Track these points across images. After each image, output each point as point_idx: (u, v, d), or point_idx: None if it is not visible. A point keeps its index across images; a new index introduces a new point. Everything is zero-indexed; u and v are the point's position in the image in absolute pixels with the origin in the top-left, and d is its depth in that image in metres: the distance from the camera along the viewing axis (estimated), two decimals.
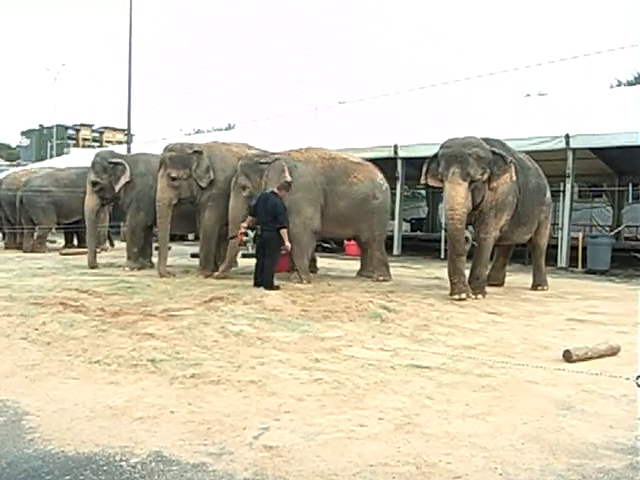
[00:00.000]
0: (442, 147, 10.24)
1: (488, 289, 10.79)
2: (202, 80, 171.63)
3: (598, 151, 17.97)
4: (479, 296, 9.98)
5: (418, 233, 30.25)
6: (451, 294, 9.91)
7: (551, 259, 13.24)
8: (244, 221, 10.96)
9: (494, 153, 9.93)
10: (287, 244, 10.46)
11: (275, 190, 10.59)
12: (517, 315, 8.70)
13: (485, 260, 10.44)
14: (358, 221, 11.72)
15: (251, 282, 10.39)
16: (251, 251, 12.43)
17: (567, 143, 14.77)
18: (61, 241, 20.49)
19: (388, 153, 17.57)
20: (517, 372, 5.73)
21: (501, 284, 11.61)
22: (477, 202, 10.00)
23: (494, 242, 10.49)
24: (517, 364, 5.96)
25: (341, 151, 13.34)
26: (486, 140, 10.37)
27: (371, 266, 12.14)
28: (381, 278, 11.63)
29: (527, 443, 4.04)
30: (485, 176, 9.81)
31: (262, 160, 11.25)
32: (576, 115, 16.37)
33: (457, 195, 9.68)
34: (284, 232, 10.37)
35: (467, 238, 10.14)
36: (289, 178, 10.92)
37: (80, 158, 27.29)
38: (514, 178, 9.98)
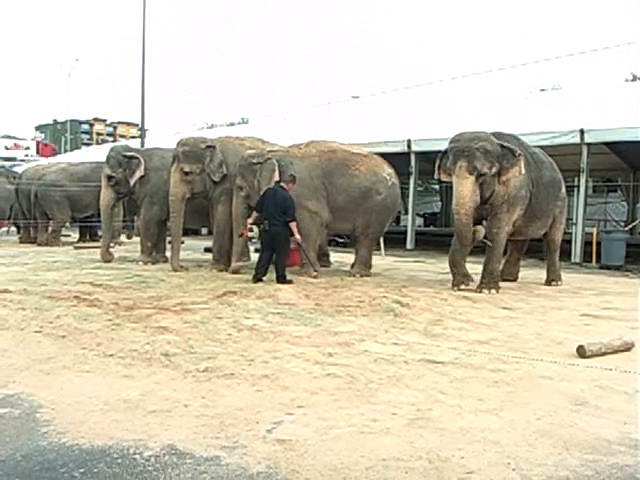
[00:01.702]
0: (451, 142, 10.26)
1: (502, 284, 10.76)
2: (216, 74, 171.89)
3: (613, 146, 17.89)
4: (492, 291, 9.97)
5: (431, 228, 30.22)
6: (452, 286, 10.14)
7: (565, 254, 13.19)
8: (249, 217, 10.99)
9: (502, 147, 9.92)
10: (297, 237, 10.48)
11: (282, 184, 10.60)
12: (531, 310, 8.67)
13: (498, 255, 10.41)
14: (357, 216, 11.56)
15: (264, 277, 10.36)
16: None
17: (582, 138, 14.71)
18: (75, 235, 20.58)
19: (401, 148, 17.54)
20: (531, 367, 5.71)
21: (515, 279, 11.58)
22: (487, 196, 10.01)
23: (508, 237, 10.46)
24: (531, 359, 5.95)
25: (354, 145, 13.31)
26: (498, 134, 10.37)
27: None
28: (358, 275, 11.49)
29: (540, 438, 4.03)
30: (494, 170, 9.83)
31: (254, 160, 11.22)
32: (591, 109, 16.29)
33: (464, 189, 9.72)
34: (294, 225, 10.37)
35: (474, 232, 10.04)
36: (277, 178, 10.94)
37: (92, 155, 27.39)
38: (523, 171, 9.94)
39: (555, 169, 11.21)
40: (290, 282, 10.01)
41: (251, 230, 11.42)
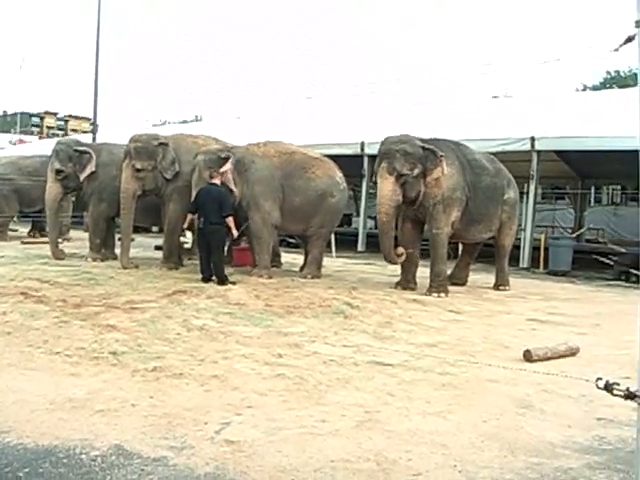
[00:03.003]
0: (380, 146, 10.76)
1: (451, 288, 10.88)
2: (169, 71, 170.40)
3: (562, 154, 18.16)
4: (442, 294, 10.08)
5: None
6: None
7: (513, 259, 13.36)
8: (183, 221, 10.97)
9: (424, 149, 10.28)
10: (234, 232, 10.43)
11: (214, 181, 10.50)
12: (479, 314, 8.77)
13: (442, 256, 10.59)
14: (311, 217, 11.56)
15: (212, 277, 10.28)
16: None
17: (532, 145, 14.92)
18: (23, 230, 20.24)
19: (354, 150, 17.59)
20: (478, 371, 5.78)
21: (464, 283, 11.71)
22: (412, 196, 10.39)
23: (447, 236, 10.66)
24: (478, 363, 6.02)
25: (308, 147, 13.31)
26: (434, 140, 10.76)
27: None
28: (309, 276, 11.43)
29: (486, 441, 4.09)
30: (416, 171, 10.22)
31: (223, 155, 11.13)
32: (542, 118, 16.53)
33: (384, 188, 10.25)
34: (231, 220, 10.23)
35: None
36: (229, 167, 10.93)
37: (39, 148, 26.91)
38: (446, 171, 10.25)
39: (500, 175, 11.35)
40: (233, 283, 9.87)
41: (184, 235, 11.23)
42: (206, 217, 10.06)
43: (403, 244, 10.88)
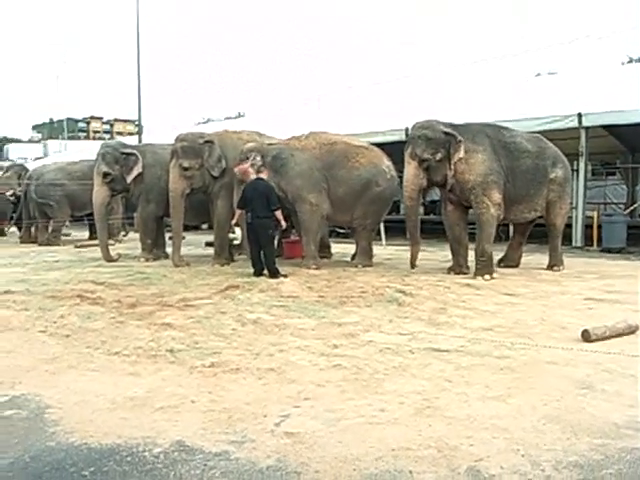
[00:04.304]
0: None
1: (504, 270, 10.80)
2: (211, 69, 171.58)
3: (611, 129, 17.84)
4: (486, 276, 10.06)
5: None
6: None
7: (566, 238, 13.16)
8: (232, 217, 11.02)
9: (447, 134, 10.39)
10: (283, 223, 10.48)
11: (259, 175, 10.54)
12: (534, 296, 8.66)
13: (487, 235, 10.54)
14: (355, 208, 11.51)
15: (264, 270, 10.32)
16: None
17: (579, 122, 14.66)
18: (76, 234, 20.58)
19: (399, 136, 17.47)
20: (536, 353, 5.72)
21: (517, 265, 11.60)
22: (437, 180, 10.63)
23: (498, 219, 10.69)
24: (536, 345, 5.95)
25: (351, 135, 13.25)
26: (468, 124, 10.92)
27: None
28: (360, 266, 11.42)
29: (548, 424, 4.04)
30: (438, 156, 10.38)
31: (254, 154, 11.17)
32: (588, 93, 16.24)
33: (407, 173, 10.64)
34: (279, 213, 10.29)
35: None
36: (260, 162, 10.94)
37: (82, 152, 27.27)
38: (462, 155, 10.35)
39: (543, 155, 11.15)
40: (284, 276, 9.91)
41: (233, 232, 11.27)
42: (254, 211, 10.12)
43: (448, 226, 11.01)
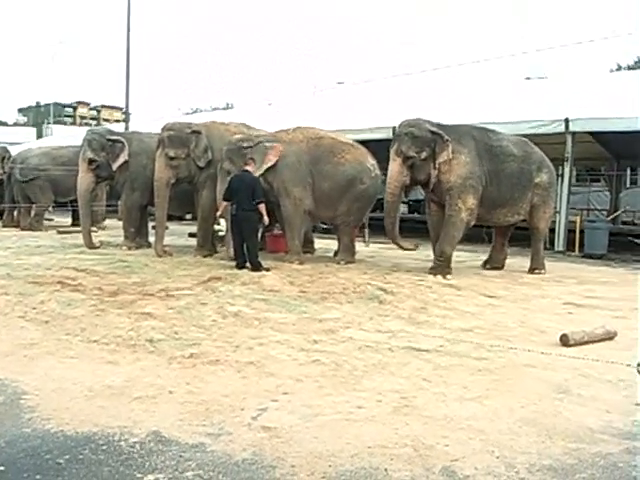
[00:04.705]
0: None
1: (485, 272, 10.89)
2: (201, 59, 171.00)
3: (597, 135, 17.94)
4: (438, 277, 10.11)
5: (415, 215, 30.23)
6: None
7: (548, 243, 13.24)
8: (216, 210, 10.98)
9: (433, 133, 10.45)
10: (266, 219, 10.46)
11: (246, 168, 10.55)
12: (514, 299, 8.71)
13: (451, 238, 10.62)
14: (339, 204, 11.50)
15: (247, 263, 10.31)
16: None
17: (566, 127, 14.72)
18: (59, 220, 20.47)
19: (386, 134, 17.44)
20: (514, 356, 5.75)
21: (502, 266, 11.66)
22: (421, 179, 10.67)
23: (467, 225, 10.74)
24: (514, 348, 5.98)
25: (339, 132, 13.25)
26: (456, 126, 10.97)
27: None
28: (343, 262, 11.42)
29: (524, 426, 4.06)
30: (423, 154, 10.42)
31: (245, 144, 11.15)
32: (576, 99, 16.31)
33: (391, 170, 10.66)
34: (262, 207, 10.26)
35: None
36: (273, 160, 10.92)
37: (65, 138, 27.10)
38: (451, 156, 10.40)
39: (529, 160, 11.20)
40: (267, 269, 9.92)
41: (218, 223, 11.23)
42: (239, 204, 10.11)
43: (431, 226, 11.07)
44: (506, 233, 11.90)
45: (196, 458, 3.51)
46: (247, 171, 10.44)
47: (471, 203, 10.53)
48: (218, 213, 10.92)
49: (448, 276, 10.20)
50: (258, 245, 10.82)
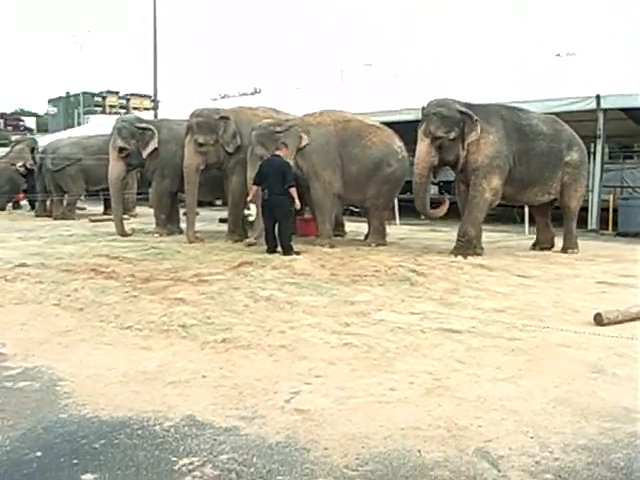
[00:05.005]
0: None
1: (518, 252, 10.81)
2: (228, 44, 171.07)
3: (629, 112, 17.67)
4: (459, 257, 10.07)
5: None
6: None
7: (581, 222, 13.09)
8: (246, 195, 10.98)
9: (462, 113, 10.37)
10: (297, 203, 10.44)
11: (276, 152, 10.55)
12: (547, 278, 8.63)
13: (474, 218, 10.58)
14: (368, 187, 11.50)
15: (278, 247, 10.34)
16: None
17: (598, 104, 14.53)
18: (91, 208, 20.66)
19: (415, 115, 17.35)
20: (548, 335, 5.70)
21: (551, 246, 11.61)
22: (450, 159, 10.59)
23: (490, 205, 10.74)
24: (547, 327, 5.94)
25: (367, 114, 13.22)
26: (484, 105, 10.92)
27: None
28: (374, 245, 11.46)
29: (558, 407, 4.03)
30: (452, 134, 10.33)
31: (277, 129, 11.14)
32: (607, 75, 16.08)
33: (419, 150, 10.54)
34: (293, 191, 10.26)
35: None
36: (305, 141, 10.91)
37: (102, 125, 27.26)
38: (479, 135, 10.34)
39: (559, 138, 11.07)
40: (297, 253, 9.97)
41: (248, 208, 11.23)
42: (270, 188, 10.12)
43: (461, 207, 10.97)
44: (546, 213, 11.80)
45: (230, 441, 3.53)
46: (277, 156, 10.44)
47: (496, 183, 10.48)
48: (249, 198, 10.93)
49: (472, 257, 10.14)
50: (291, 229, 10.82)
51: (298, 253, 9.93)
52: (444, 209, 11.15)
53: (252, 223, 11.96)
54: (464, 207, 10.81)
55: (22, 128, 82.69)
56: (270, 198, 10.16)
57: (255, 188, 10.52)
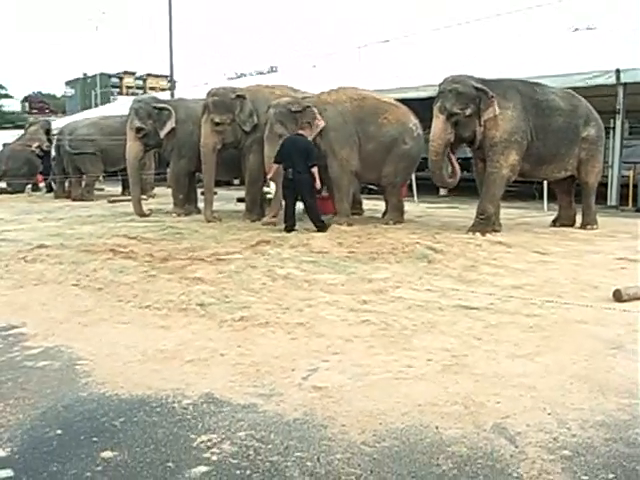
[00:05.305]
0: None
1: (537, 229, 10.77)
2: (244, 23, 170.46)
3: None
4: (477, 234, 10.03)
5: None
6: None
7: (601, 198, 13.00)
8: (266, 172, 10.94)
9: (478, 89, 10.27)
10: (318, 183, 10.46)
11: (300, 132, 10.53)
12: (566, 255, 8.58)
13: (492, 196, 10.54)
14: (384, 165, 11.45)
15: (296, 226, 10.36)
16: None
17: (617, 78, 14.37)
18: (109, 189, 20.74)
19: (433, 92, 17.22)
20: (566, 312, 5.68)
21: (573, 223, 11.51)
22: (466, 136, 10.52)
23: (508, 181, 10.71)
24: (566, 304, 5.92)
25: (384, 91, 13.15)
26: (500, 80, 10.84)
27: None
28: (391, 222, 11.42)
29: (576, 383, 4.02)
30: (468, 111, 10.24)
31: (294, 108, 11.07)
32: (627, 49, 15.88)
33: (435, 127, 10.44)
34: (316, 170, 10.30)
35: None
36: (323, 124, 10.86)
37: (125, 106, 27.32)
38: (497, 111, 10.26)
39: (576, 113, 10.96)
40: (328, 226, 10.24)
41: (268, 185, 11.19)
42: (294, 167, 10.15)
43: (479, 184, 10.90)
44: (569, 190, 11.68)
45: (248, 418, 3.56)
46: (301, 135, 10.43)
47: (513, 159, 10.41)
48: (269, 176, 10.91)
49: (490, 234, 10.10)
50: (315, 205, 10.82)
51: (328, 225, 10.31)
52: (457, 177, 11.11)
53: (270, 201, 11.97)
54: (482, 184, 10.75)
55: (47, 111, 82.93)
56: (295, 177, 10.18)
57: (276, 166, 10.51)
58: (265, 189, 11.38)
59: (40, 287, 6.71)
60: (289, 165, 10.20)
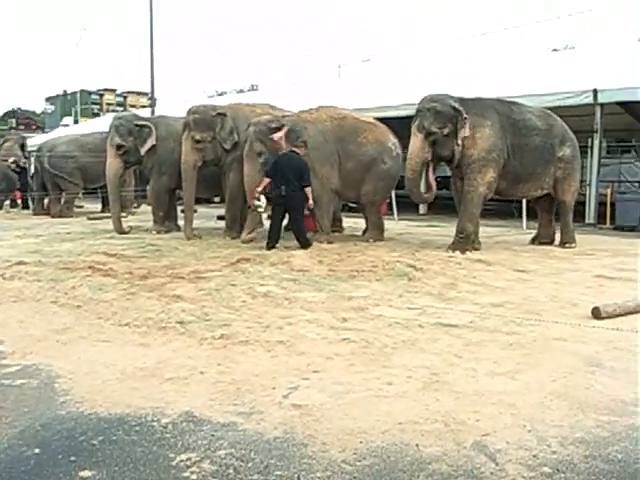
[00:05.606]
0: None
1: (515, 247, 10.86)
2: (224, 41, 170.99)
3: (627, 106, 17.67)
4: (457, 252, 10.04)
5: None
6: None
7: (579, 216, 13.10)
8: (257, 185, 10.86)
9: (455, 109, 10.29)
10: (311, 202, 10.45)
11: (295, 149, 10.54)
12: (545, 272, 8.64)
13: (470, 214, 10.58)
14: (363, 184, 11.48)
15: (277, 244, 10.33)
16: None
17: (595, 98, 14.54)
18: (89, 206, 20.65)
19: (413, 111, 17.37)
20: (545, 329, 5.71)
21: (551, 241, 11.57)
22: (444, 155, 10.58)
23: (485, 199, 10.75)
24: (545, 321, 5.94)
25: (364, 110, 13.21)
26: (479, 99, 10.93)
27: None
28: (371, 240, 11.45)
29: (556, 400, 4.04)
30: (446, 130, 10.30)
31: (274, 125, 11.09)
32: (604, 69, 16.08)
33: (412, 145, 10.47)
34: (309, 190, 10.33)
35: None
36: (305, 138, 10.88)
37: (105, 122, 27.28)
38: (467, 133, 10.30)
39: (551, 133, 11.06)
40: (310, 244, 10.26)
41: (258, 199, 11.15)
42: (288, 185, 10.16)
43: (458, 202, 10.98)
44: (550, 208, 11.76)
45: (228, 437, 3.54)
46: (296, 152, 10.44)
47: (490, 177, 10.48)
48: (259, 189, 10.80)
49: (470, 252, 10.11)
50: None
51: (311, 244, 10.34)
52: (433, 192, 11.13)
53: (260, 215, 11.89)
54: (460, 202, 10.80)
55: (34, 127, 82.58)
56: (288, 194, 10.20)
57: (266, 180, 10.49)
58: (255, 202, 11.33)
59: (18, 304, 6.66)
60: (282, 182, 10.17)
